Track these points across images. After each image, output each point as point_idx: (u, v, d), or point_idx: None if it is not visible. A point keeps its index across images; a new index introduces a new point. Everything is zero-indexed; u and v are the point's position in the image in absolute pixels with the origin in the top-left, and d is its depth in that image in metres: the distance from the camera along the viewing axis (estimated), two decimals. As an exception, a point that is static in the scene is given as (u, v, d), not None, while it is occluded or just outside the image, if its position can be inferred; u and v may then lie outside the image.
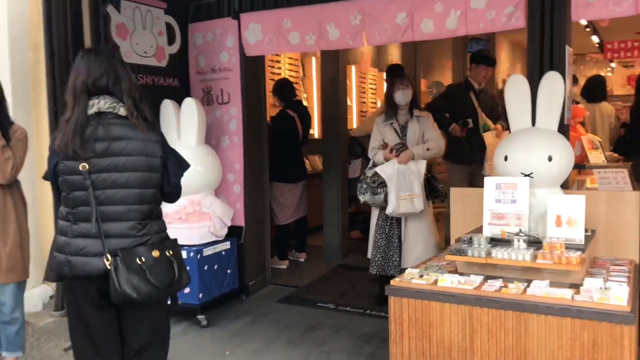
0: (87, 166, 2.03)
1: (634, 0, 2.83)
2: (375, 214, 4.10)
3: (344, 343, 3.46)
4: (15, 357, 3.02)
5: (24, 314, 3.03)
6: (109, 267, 2.01)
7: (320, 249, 5.55)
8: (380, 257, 3.99)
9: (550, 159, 2.62)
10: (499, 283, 2.26)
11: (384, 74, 8.48)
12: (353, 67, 7.54)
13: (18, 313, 2.95)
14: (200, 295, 3.82)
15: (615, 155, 4.73)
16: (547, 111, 2.72)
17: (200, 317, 3.81)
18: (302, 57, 6.81)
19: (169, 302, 2.41)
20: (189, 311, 3.81)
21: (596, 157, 3.70)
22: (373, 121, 4.44)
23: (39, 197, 4.17)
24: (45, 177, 2.29)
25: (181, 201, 3.34)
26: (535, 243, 2.36)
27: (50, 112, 3.92)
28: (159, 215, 2.23)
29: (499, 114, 6.12)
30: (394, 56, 9.00)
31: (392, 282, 2.38)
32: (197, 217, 3.93)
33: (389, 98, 4.10)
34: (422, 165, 3.94)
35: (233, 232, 4.26)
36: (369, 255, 4.12)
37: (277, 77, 6.05)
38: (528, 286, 2.18)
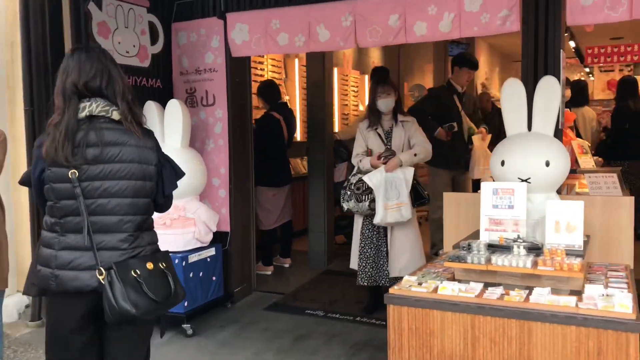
0: (77, 173, 1.90)
1: (629, 6, 2.82)
2: (359, 222, 3.98)
3: (336, 352, 3.38)
4: (-8, 371, 2.86)
5: (2, 325, 2.87)
6: (102, 282, 1.87)
7: (305, 254, 5.45)
8: (370, 268, 3.89)
9: (547, 164, 2.60)
10: (499, 290, 2.22)
11: (366, 77, 8.47)
12: (335, 69, 7.47)
13: None
14: (186, 304, 3.70)
15: (600, 159, 4.77)
16: (544, 116, 2.70)
17: (185, 326, 3.68)
18: (285, 59, 6.72)
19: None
20: (173, 320, 3.67)
21: (586, 161, 3.70)
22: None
23: (14, 201, 3.99)
24: (23, 183, 2.14)
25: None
26: (534, 249, 2.33)
27: (27, 113, 3.76)
28: (150, 227, 2.10)
29: (479, 118, 6.14)
30: (375, 58, 8.97)
31: (390, 290, 2.31)
32: (182, 223, 3.80)
33: (371, 104, 3.99)
34: (410, 173, 3.85)
35: (217, 238, 4.14)
36: (353, 266, 4.00)
37: (260, 79, 5.94)
38: (530, 294, 2.15)
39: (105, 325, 1.99)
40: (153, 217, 2.04)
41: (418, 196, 3.96)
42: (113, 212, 1.94)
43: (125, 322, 1.90)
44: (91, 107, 1.94)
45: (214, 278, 4.02)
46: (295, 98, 6.80)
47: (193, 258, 3.80)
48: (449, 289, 2.24)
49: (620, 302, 1.98)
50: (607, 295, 2.08)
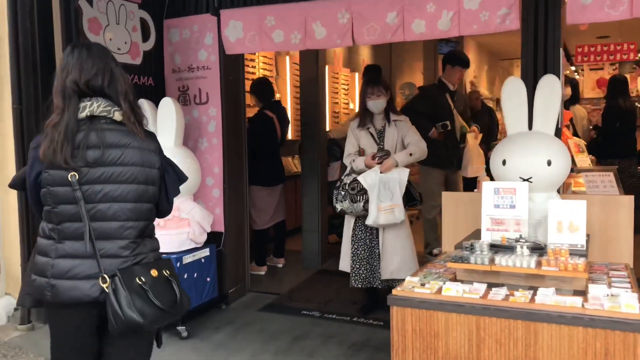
0: (77, 175, 1.81)
1: (629, 4, 2.82)
2: (351, 223, 3.90)
3: (334, 353, 3.34)
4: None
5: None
6: (106, 290, 1.77)
7: (298, 254, 5.41)
8: (364, 270, 3.83)
9: (549, 163, 2.58)
10: (504, 291, 2.20)
11: (357, 75, 8.45)
12: (326, 67, 7.42)
13: None
14: (180, 306, 3.63)
15: (593, 157, 4.79)
16: (544, 115, 2.68)
17: (180, 328, 3.62)
18: (276, 56, 6.65)
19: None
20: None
21: (582, 160, 3.70)
22: None
23: (1, 200, 3.90)
24: (13, 186, 2.05)
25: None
26: (537, 249, 2.31)
27: (15, 111, 3.67)
28: (152, 233, 2.01)
29: (469, 116, 6.14)
30: (366, 56, 8.95)
31: (393, 291, 2.28)
32: (176, 223, 3.73)
33: (362, 104, 3.92)
34: (405, 174, 3.78)
35: (211, 239, 4.08)
36: (343, 268, 3.94)
37: (252, 77, 5.87)
38: (535, 294, 2.13)
39: (106, 338, 1.91)
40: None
41: (410, 198, 3.90)
42: (114, 218, 1.86)
43: (131, 332, 1.81)
44: (92, 107, 1.86)
45: (208, 279, 3.96)
46: (286, 96, 6.75)
47: (187, 259, 3.73)
48: (453, 290, 2.22)
49: (627, 303, 1.97)
50: (612, 295, 2.07)
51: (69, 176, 1.80)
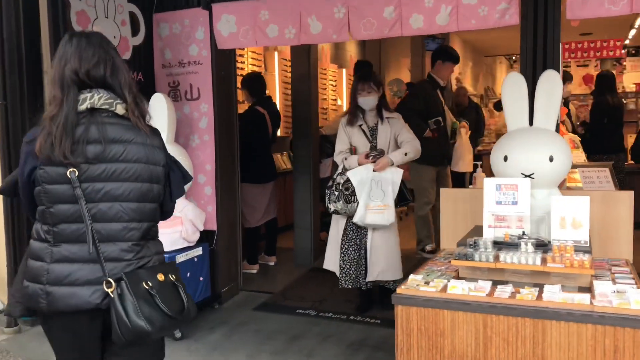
0: (76, 172, 1.67)
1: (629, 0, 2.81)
2: (342, 222, 3.81)
3: (333, 353, 3.29)
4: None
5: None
6: (111, 295, 1.65)
7: (289, 252, 5.35)
8: (354, 270, 3.76)
9: (551, 159, 2.57)
10: (509, 289, 2.18)
11: (344, 71, 8.40)
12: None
13: None
14: (174, 306, 3.55)
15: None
16: (545, 110, 2.66)
17: (173, 329, 3.54)
18: (264, 52, 6.57)
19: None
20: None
21: (577, 156, 3.72)
22: None
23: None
24: (3, 191, 1.93)
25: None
26: (541, 246, 2.30)
27: None
28: (156, 235, 1.89)
29: (457, 112, 6.14)
30: (353, 52, 8.91)
31: (398, 290, 2.25)
32: (168, 222, 3.63)
33: (352, 101, 3.83)
34: (399, 175, 3.69)
35: (204, 237, 4.00)
36: (328, 266, 3.86)
37: (241, 72, 5.78)
38: (541, 291, 2.11)
39: (109, 348, 1.80)
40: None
41: (402, 197, 3.82)
42: (116, 219, 1.73)
43: (137, 341, 1.69)
44: (93, 98, 1.73)
45: (201, 278, 3.88)
46: (275, 92, 6.67)
47: (180, 258, 3.65)
48: (459, 288, 2.19)
49: (636, 299, 1.96)
50: (618, 292, 2.06)
51: (67, 172, 1.67)
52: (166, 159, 1.85)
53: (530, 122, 2.69)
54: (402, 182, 3.79)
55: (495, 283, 2.20)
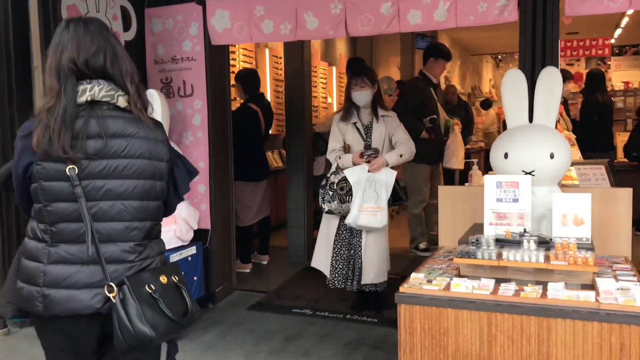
0: (76, 169, 1.58)
1: (628, -4, 2.82)
2: (334, 222, 3.73)
3: (330, 352, 3.26)
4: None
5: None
6: (113, 300, 1.57)
7: (281, 250, 5.31)
8: (346, 271, 3.70)
9: (552, 156, 2.57)
10: (513, 286, 2.16)
11: (334, 69, 8.37)
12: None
13: None
14: (167, 306, 3.49)
15: (575, 151, 4.83)
16: (546, 107, 2.66)
17: (167, 329, 3.47)
18: (255, 48, 6.51)
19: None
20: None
21: (573, 153, 3.71)
22: None
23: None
24: None
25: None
26: (543, 243, 2.29)
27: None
28: (158, 234, 1.80)
29: (446, 110, 6.15)
30: (343, 50, 8.88)
31: (401, 288, 2.22)
32: (162, 220, 3.58)
33: (347, 96, 3.75)
34: (392, 176, 3.60)
35: (197, 236, 3.94)
36: (316, 265, 3.79)
37: (232, 69, 5.71)
38: (545, 289, 2.10)
39: (109, 354, 1.73)
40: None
41: (397, 197, 3.74)
42: (118, 218, 1.64)
43: (140, 347, 1.61)
44: (93, 90, 1.62)
45: (195, 278, 3.82)
46: (266, 89, 6.61)
47: (174, 258, 3.59)
48: (463, 286, 2.17)
49: (641, 297, 1.96)
50: (622, 289, 2.06)
51: (67, 169, 1.57)
52: (170, 153, 1.77)
53: (530, 119, 2.68)
54: (396, 181, 3.72)
55: (498, 281, 2.18)
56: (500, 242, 2.32)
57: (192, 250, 3.81)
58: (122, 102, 1.66)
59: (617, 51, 10.59)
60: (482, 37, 11.05)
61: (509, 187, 2.48)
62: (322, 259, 3.79)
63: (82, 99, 1.62)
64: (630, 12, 7.26)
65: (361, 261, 3.67)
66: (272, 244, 5.32)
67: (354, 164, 3.60)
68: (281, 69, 6.80)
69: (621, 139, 6.42)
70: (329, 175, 3.73)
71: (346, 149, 3.73)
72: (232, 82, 4.95)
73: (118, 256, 1.64)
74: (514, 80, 2.71)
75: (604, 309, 1.94)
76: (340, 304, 4.01)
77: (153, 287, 1.62)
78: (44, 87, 1.66)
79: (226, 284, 4.28)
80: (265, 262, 5.17)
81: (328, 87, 8.22)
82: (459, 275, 2.34)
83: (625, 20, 8.34)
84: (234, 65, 5.97)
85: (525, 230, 2.38)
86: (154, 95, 3.60)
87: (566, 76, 5.79)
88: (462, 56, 13.23)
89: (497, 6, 3.09)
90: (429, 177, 5.28)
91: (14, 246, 3.45)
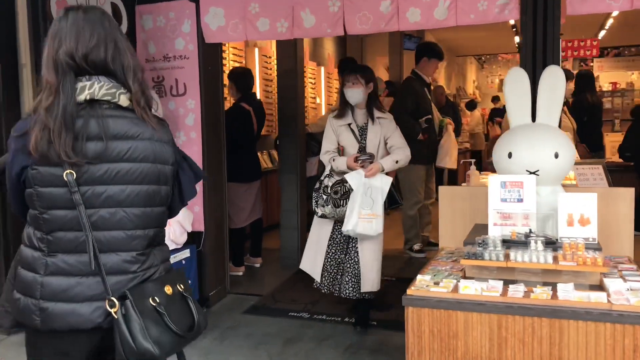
0: (74, 174, 1.46)
1: (630, -5, 2.81)
2: (328, 226, 3.58)
3: (331, 356, 3.20)
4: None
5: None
6: (115, 316, 1.45)
7: (274, 252, 5.23)
8: (340, 275, 3.55)
9: (556, 155, 2.54)
10: (522, 288, 2.13)
11: (322, 69, 8.32)
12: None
13: None
14: (162, 311, 3.40)
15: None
16: (549, 106, 2.64)
17: (162, 335, 3.38)
18: (245, 47, 6.43)
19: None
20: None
21: (571, 153, 3.71)
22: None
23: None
24: None
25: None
26: (550, 244, 2.26)
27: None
28: (162, 240, 1.68)
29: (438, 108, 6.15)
30: (331, 50, 8.83)
31: (408, 291, 2.18)
32: (156, 223, 3.49)
33: (340, 95, 3.64)
34: (388, 183, 3.46)
35: (190, 239, 3.86)
36: (305, 268, 3.64)
37: (224, 68, 5.62)
38: (554, 290, 2.07)
39: None
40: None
41: (393, 201, 3.59)
42: (120, 226, 1.53)
43: None
44: (93, 88, 1.50)
45: (189, 281, 3.73)
46: (256, 89, 6.53)
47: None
48: (472, 288, 2.14)
49: (654, 297, 1.94)
50: (632, 289, 2.04)
51: (64, 175, 1.45)
52: (175, 155, 1.64)
53: (533, 119, 2.66)
54: (392, 184, 3.58)
55: (505, 282, 2.15)
56: (507, 243, 2.29)
57: (186, 253, 3.73)
58: (124, 100, 1.54)
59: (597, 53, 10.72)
60: (467, 38, 11.11)
61: (514, 187, 2.46)
62: (310, 262, 3.65)
63: (80, 98, 1.50)
64: (615, 13, 7.34)
65: (357, 267, 3.53)
66: (264, 246, 5.24)
67: (348, 168, 3.47)
68: (271, 69, 6.73)
69: (609, 139, 6.48)
70: (322, 178, 3.59)
71: (340, 150, 3.62)
72: (226, 81, 4.88)
73: (119, 267, 1.53)
74: (516, 79, 2.68)
75: (617, 310, 1.92)
76: (339, 306, 3.94)
77: (157, 300, 1.51)
78: (39, 81, 1.53)
79: (220, 288, 4.20)
80: (258, 265, 5.09)
81: (317, 87, 8.16)
82: (465, 277, 2.30)
83: (610, 22, 8.43)
84: (224, 65, 5.88)
85: (530, 231, 2.35)
86: (146, 95, 3.52)
87: (568, 76, 5.81)
88: (448, 57, 13.27)
89: (497, 5, 3.07)
90: (423, 177, 5.27)
91: (14, 246, 3.34)
